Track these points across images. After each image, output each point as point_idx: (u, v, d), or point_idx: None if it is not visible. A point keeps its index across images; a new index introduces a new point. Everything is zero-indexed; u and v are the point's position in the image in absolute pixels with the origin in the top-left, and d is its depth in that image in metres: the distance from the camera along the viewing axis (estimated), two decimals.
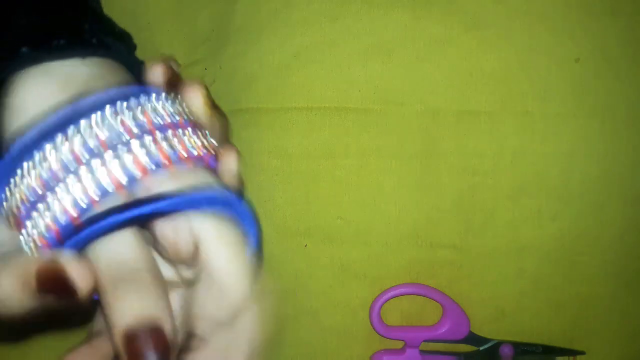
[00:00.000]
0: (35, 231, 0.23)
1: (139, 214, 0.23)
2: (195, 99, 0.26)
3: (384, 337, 0.38)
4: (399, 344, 0.38)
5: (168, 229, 0.24)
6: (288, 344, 0.39)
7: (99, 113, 0.23)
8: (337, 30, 0.38)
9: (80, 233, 0.23)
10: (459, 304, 0.38)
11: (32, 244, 0.24)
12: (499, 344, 0.38)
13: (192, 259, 0.24)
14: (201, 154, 0.25)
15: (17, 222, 0.24)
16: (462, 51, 0.38)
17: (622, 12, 0.38)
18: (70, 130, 0.23)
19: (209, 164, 0.25)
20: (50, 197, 0.23)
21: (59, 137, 0.23)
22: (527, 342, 0.38)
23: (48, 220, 0.23)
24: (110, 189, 0.23)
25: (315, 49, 0.38)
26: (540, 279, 0.38)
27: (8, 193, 0.24)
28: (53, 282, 0.22)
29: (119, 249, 0.23)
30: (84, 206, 0.23)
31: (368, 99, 0.38)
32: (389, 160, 0.38)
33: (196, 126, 0.25)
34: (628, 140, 0.38)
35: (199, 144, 0.25)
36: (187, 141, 0.24)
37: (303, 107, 0.38)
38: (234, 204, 0.25)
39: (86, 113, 0.23)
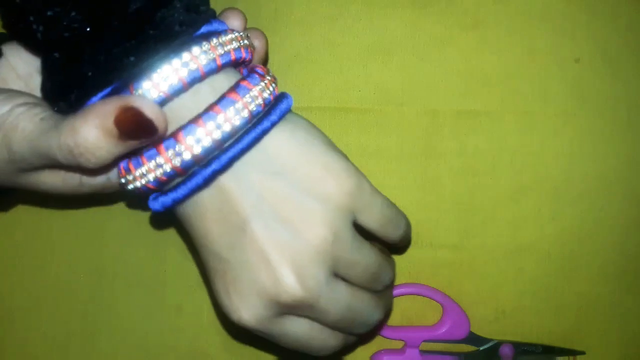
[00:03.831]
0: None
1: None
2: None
3: (384, 337, 0.38)
4: (399, 344, 0.38)
5: None
6: None
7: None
8: (337, 30, 0.38)
9: None
10: (459, 304, 0.38)
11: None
12: (499, 344, 0.38)
13: None
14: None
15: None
16: (462, 51, 0.38)
17: (622, 12, 0.38)
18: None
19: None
20: None
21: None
22: (527, 342, 0.38)
23: None
24: None
25: (315, 49, 0.38)
26: (540, 279, 0.38)
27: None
28: (133, 125, 0.25)
29: None
30: None
31: (368, 99, 0.38)
32: (389, 160, 0.38)
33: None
34: (628, 140, 0.38)
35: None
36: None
37: (303, 107, 0.38)
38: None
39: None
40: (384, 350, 0.38)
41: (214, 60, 0.27)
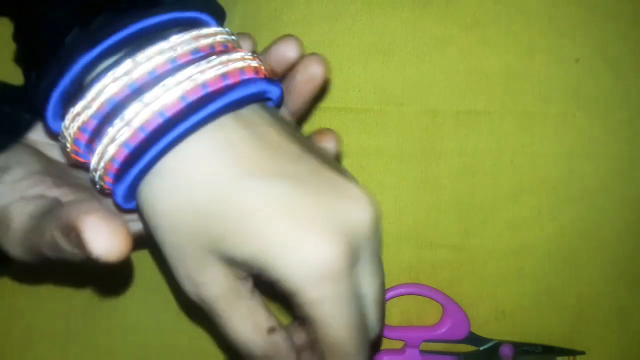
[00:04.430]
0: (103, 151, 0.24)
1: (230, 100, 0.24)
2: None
3: (384, 337, 0.38)
4: (399, 344, 0.38)
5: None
6: None
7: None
8: (337, 30, 0.38)
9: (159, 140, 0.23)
10: (459, 304, 0.38)
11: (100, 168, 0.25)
12: (499, 344, 0.38)
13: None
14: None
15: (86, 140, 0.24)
16: (462, 51, 0.38)
17: (622, 12, 0.38)
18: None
19: None
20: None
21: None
22: (527, 342, 0.38)
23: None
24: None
25: (315, 49, 0.38)
26: (540, 279, 0.38)
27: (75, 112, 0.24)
28: (72, 238, 0.23)
29: None
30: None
31: (368, 99, 0.38)
32: (389, 160, 0.38)
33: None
34: (628, 140, 0.38)
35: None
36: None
37: None
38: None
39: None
40: (383, 350, 0.38)
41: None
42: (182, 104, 0.24)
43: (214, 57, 0.25)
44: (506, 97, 0.38)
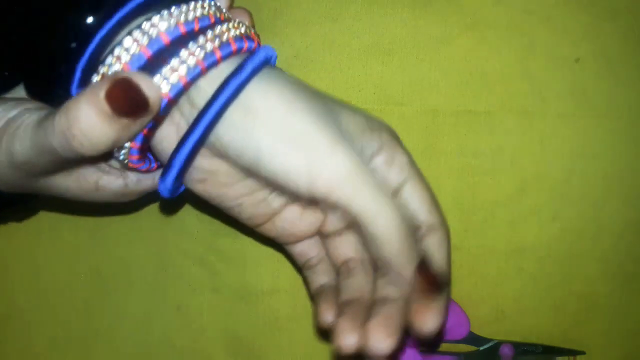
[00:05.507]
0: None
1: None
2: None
3: None
4: None
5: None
6: (290, 344, 0.39)
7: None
8: (337, 30, 0.38)
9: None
10: (459, 304, 0.38)
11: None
12: (499, 344, 0.38)
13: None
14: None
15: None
16: (462, 51, 0.38)
17: (622, 12, 0.38)
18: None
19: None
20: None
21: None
22: (527, 342, 0.38)
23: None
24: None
25: (315, 49, 0.38)
26: (540, 278, 0.38)
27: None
28: (125, 99, 0.23)
29: None
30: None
31: (368, 99, 0.38)
32: None
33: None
34: (628, 140, 0.38)
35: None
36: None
37: None
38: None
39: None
40: None
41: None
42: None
43: (221, 24, 0.27)
44: (506, 97, 0.38)
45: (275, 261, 0.39)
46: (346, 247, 0.31)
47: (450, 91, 0.38)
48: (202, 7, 0.27)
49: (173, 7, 0.26)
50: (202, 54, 0.25)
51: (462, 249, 0.38)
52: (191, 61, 0.25)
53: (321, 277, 0.31)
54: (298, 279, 0.38)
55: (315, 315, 0.29)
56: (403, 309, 0.27)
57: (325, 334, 0.39)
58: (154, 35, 0.25)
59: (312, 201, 0.27)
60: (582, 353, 0.38)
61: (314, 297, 0.31)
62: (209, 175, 0.28)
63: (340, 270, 0.31)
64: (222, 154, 0.27)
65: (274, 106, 0.26)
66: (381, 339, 0.26)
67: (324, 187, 0.26)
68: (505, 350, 0.38)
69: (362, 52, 0.38)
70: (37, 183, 0.28)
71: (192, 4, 0.26)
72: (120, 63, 0.25)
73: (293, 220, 0.31)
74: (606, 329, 0.38)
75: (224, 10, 0.29)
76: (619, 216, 0.38)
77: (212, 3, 0.27)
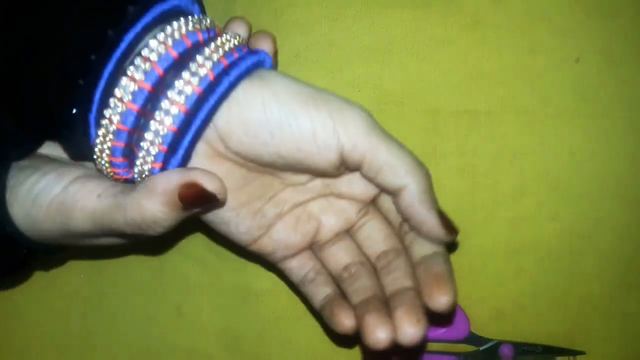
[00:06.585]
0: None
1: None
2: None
3: None
4: None
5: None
6: (290, 344, 0.39)
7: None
8: (337, 30, 0.38)
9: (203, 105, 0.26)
10: (459, 304, 0.38)
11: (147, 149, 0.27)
12: (499, 344, 0.38)
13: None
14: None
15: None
16: (462, 51, 0.38)
17: (623, 12, 0.38)
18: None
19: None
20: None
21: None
22: (527, 342, 0.38)
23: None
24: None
25: (315, 49, 0.38)
26: (540, 279, 0.38)
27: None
28: (197, 199, 0.27)
29: None
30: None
31: (368, 99, 0.38)
32: None
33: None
34: (628, 140, 0.38)
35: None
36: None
37: None
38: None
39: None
40: None
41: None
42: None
43: (220, 37, 0.28)
44: (506, 97, 0.38)
45: None
46: (342, 253, 0.32)
47: (450, 91, 0.38)
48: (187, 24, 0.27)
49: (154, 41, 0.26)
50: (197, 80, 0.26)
51: (462, 249, 0.38)
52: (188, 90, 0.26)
53: (323, 288, 0.31)
54: None
55: (331, 323, 0.29)
56: (419, 296, 0.28)
57: (340, 337, 0.39)
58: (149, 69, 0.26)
59: (331, 163, 0.28)
60: (582, 353, 0.38)
61: (322, 308, 0.31)
62: None
63: (342, 277, 0.31)
64: (227, 146, 0.28)
65: (280, 77, 0.28)
66: (412, 324, 0.27)
67: (352, 140, 0.28)
68: (505, 350, 0.38)
69: (362, 52, 0.38)
70: (82, 242, 0.30)
71: (169, 30, 0.26)
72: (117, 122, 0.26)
73: (288, 231, 0.31)
74: (606, 329, 0.38)
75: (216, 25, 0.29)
76: (619, 216, 0.38)
77: (198, 19, 0.28)
